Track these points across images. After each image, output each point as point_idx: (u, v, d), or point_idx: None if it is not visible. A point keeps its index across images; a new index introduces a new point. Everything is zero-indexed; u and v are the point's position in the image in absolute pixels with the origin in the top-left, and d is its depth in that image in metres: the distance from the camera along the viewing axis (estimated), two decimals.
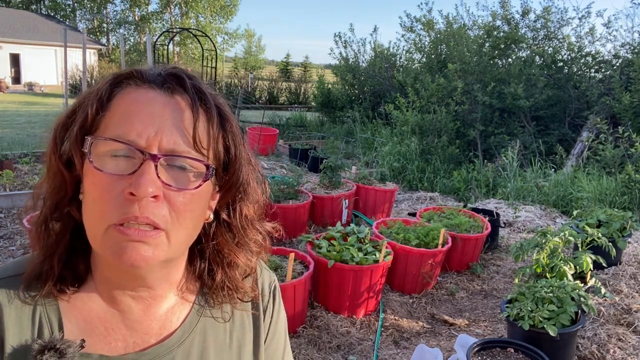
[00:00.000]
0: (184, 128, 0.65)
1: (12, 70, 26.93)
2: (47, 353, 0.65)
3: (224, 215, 0.76)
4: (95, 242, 0.65)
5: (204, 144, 0.67)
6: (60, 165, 0.67)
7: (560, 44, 10.01)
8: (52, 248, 0.70)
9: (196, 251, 0.78)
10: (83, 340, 0.68)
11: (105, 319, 0.72)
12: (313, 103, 17.12)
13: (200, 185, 0.67)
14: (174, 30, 25.04)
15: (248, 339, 0.84)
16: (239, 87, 19.61)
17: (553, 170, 7.64)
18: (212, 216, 0.75)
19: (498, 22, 10.34)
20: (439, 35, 11.92)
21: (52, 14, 36.45)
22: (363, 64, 14.01)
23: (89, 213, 0.65)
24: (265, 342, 0.87)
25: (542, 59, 9.88)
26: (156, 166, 0.63)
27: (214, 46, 17.63)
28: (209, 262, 0.79)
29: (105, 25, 38.58)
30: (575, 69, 9.87)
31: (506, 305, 3.01)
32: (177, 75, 0.69)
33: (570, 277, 3.23)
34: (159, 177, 0.63)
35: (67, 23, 34.81)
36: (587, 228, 3.92)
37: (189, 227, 0.68)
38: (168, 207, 0.64)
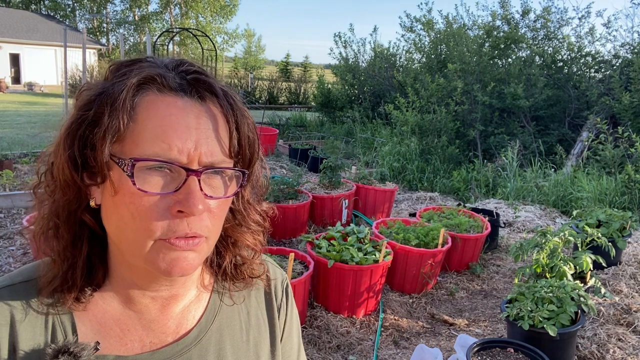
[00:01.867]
0: (220, 137, 0.65)
1: (12, 70, 26.94)
2: (61, 357, 0.64)
3: None
4: (139, 257, 0.65)
5: (236, 149, 0.68)
6: (76, 178, 0.64)
7: (560, 44, 10.02)
8: (70, 260, 0.68)
9: None
10: (97, 343, 0.68)
11: (121, 320, 0.72)
12: (313, 103, 17.13)
13: (236, 191, 0.69)
14: (174, 30, 25.05)
15: (264, 337, 0.85)
16: (239, 87, 19.62)
17: (553, 170, 7.64)
18: None
19: (498, 22, 10.34)
20: (438, 35, 11.93)
21: (52, 14, 36.44)
22: (363, 64, 14.02)
23: (128, 230, 0.63)
24: (281, 340, 0.88)
25: (542, 59, 9.88)
26: (199, 181, 0.63)
27: (214, 46, 17.65)
28: (216, 246, 0.79)
29: (105, 25, 38.58)
30: (575, 69, 9.87)
31: (506, 305, 3.01)
32: (205, 81, 0.66)
33: (570, 277, 3.24)
34: (202, 191, 0.63)
35: (67, 23, 34.83)
36: (587, 228, 3.92)
37: (221, 228, 0.71)
38: (209, 216, 0.66)
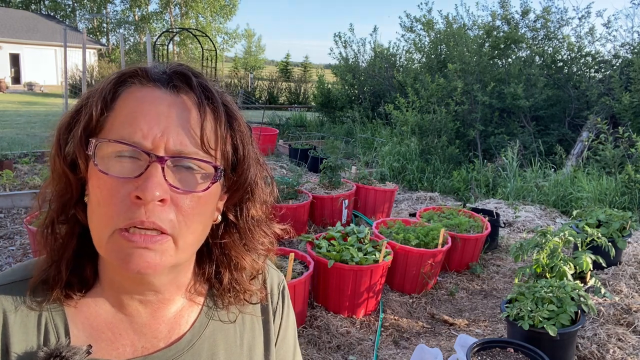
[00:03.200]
0: (191, 128, 0.64)
1: (12, 70, 26.93)
2: None
3: (231, 217, 0.74)
4: (101, 247, 0.63)
5: (212, 144, 0.65)
6: (64, 167, 0.66)
7: (560, 44, 10.02)
8: (60, 253, 0.68)
9: (205, 252, 0.77)
10: (90, 346, 0.67)
11: (113, 324, 0.71)
12: (313, 103, 17.13)
13: (208, 187, 0.65)
14: (174, 31, 25.05)
15: (258, 341, 0.83)
16: (239, 87, 19.62)
17: (553, 170, 7.64)
18: (219, 217, 0.73)
19: (498, 22, 10.34)
20: (438, 35, 11.93)
21: (52, 14, 36.44)
22: (363, 64, 14.02)
23: (93, 217, 0.63)
24: (276, 344, 0.86)
25: (542, 59, 9.88)
26: (163, 168, 0.61)
27: (214, 46, 17.66)
28: (216, 264, 0.77)
29: (105, 25, 38.59)
30: (575, 69, 9.87)
31: (506, 305, 3.01)
32: (183, 73, 0.66)
33: (570, 277, 3.23)
34: (166, 179, 0.61)
35: (67, 23, 34.82)
36: (587, 228, 3.92)
37: (197, 231, 0.67)
38: (175, 211, 0.62)
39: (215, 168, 0.66)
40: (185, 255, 0.68)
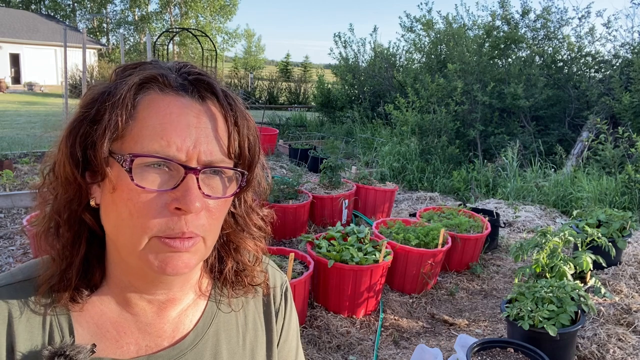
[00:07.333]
0: (219, 137, 0.66)
1: (12, 70, 26.93)
2: (57, 359, 0.65)
3: (231, 208, 0.76)
4: (134, 254, 0.64)
5: (236, 150, 0.68)
6: (76, 175, 0.65)
7: (560, 44, 10.02)
8: (68, 259, 0.68)
9: None
10: (94, 345, 0.68)
11: (117, 322, 0.72)
12: (313, 103, 17.13)
13: (236, 192, 0.69)
14: (174, 30, 25.04)
15: (261, 341, 0.84)
16: (239, 87, 19.63)
17: (553, 170, 7.64)
18: None
19: (498, 22, 10.34)
20: (438, 35, 11.93)
21: (52, 14, 36.44)
22: (363, 64, 14.02)
23: (125, 227, 0.63)
24: (278, 345, 0.87)
25: (542, 59, 9.89)
26: (197, 179, 0.63)
27: (214, 46, 17.65)
28: (218, 251, 0.80)
29: (105, 25, 38.58)
30: (575, 69, 9.87)
31: (506, 305, 3.01)
32: (206, 81, 0.67)
33: (569, 277, 3.24)
34: (200, 190, 0.63)
35: (67, 23, 34.83)
36: (587, 228, 3.92)
37: (219, 229, 0.70)
38: (207, 215, 0.65)
39: (242, 174, 0.69)
40: (209, 251, 0.71)
